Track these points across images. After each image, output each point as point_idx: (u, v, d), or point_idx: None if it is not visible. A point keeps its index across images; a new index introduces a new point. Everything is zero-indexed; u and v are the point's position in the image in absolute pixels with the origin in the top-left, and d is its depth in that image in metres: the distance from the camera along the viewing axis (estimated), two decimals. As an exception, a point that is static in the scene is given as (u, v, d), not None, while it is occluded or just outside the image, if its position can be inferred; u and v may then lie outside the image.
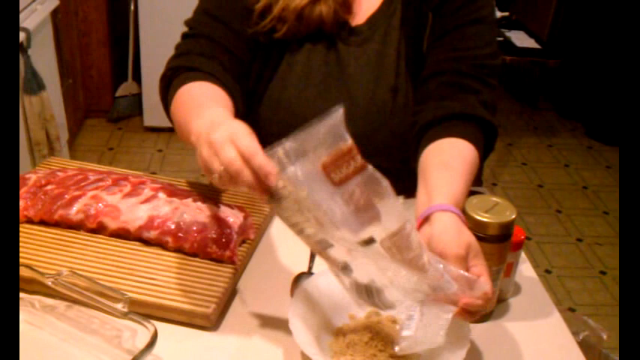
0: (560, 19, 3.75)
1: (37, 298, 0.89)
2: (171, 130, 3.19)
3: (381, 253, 0.74)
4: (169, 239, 0.98)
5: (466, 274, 0.77)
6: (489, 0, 1.15)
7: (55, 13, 2.55)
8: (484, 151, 1.08)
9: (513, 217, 0.90)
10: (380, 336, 0.85)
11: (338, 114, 0.71)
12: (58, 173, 1.09)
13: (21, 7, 2.19)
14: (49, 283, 0.87)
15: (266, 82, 1.17)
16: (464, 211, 0.90)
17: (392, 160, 1.13)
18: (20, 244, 0.98)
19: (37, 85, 2.19)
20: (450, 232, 0.81)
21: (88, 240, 1.00)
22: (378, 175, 0.73)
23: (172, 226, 0.99)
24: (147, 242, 1.00)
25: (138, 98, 3.38)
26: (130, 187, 1.06)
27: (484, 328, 0.95)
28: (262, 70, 1.17)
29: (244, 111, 1.13)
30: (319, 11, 1.12)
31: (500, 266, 0.93)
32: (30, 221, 1.03)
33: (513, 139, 3.64)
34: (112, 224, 1.00)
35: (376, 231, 0.73)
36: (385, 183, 0.73)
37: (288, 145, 0.72)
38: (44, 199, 1.03)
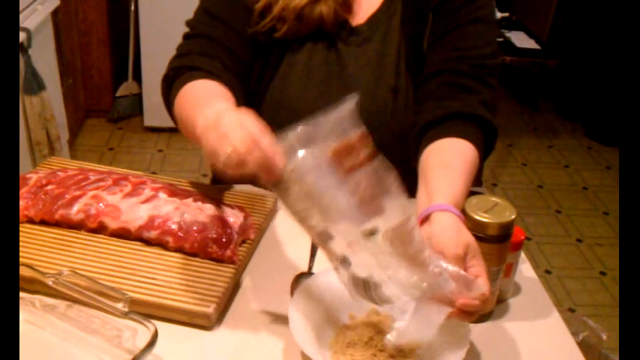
0: (560, 19, 3.75)
1: (37, 298, 0.89)
2: (171, 130, 3.23)
3: (382, 247, 0.75)
4: (170, 239, 0.98)
5: (465, 273, 0.78)
6: (489, 0, 1.15)
7: (55, 13, 2.55)
8: (484, 151, 1.08)
9: (513, 217, 0.90)
10: (380, 336, 0.85)
11: (350, 103, 0.72)
12: (59, 173, 1.10)
13: (21, 7, 2.19)
14: (50, 283, 0.87)
15: (267, 81, 1.18)
16: (464, 211, 0.90)
17: (392, 160, 1.13)
18: (21, 243, 0.98)
19: (37, 85, 2.19)
20: (449, 232, 0.81)
21: (88, 240, 1.00)
22: (386, 167, 0.73)
23: (173, 226, 0.99)
24: (147, 242, 1.00)
25: (138, 98, 3.38)
26: (131, 187, 1.06)
27: (484, 328, 0.95)
28: (263, 70, 1.17)
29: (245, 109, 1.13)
30: (319, 11, 1.12)
31: (500, 266, 0.93)
32: (31, 221, 1.03)
33: (513, 139, 3.64)
34: (113, 224, 1.00)
35: (379, 223, 0.73)
36: (391, 176, 0.73)
37: (299, 130, 0.73)
38: (45, 198, 1.03)
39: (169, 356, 0.85)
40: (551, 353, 0.93)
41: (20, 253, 0.96)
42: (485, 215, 0.90)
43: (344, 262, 0.79)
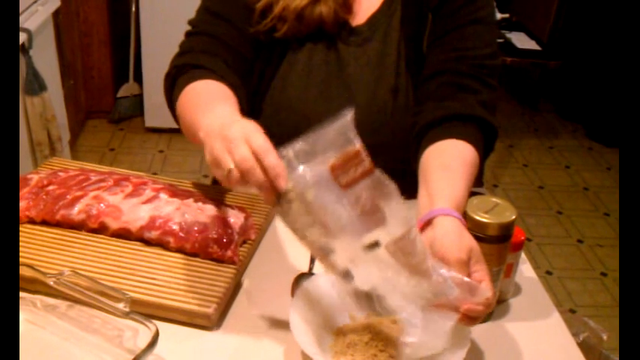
0: (561, 20, 3.75)
1: (38, 298, 0.89)
2: (172, 130, 3.23)
3: (384, 260, 0.75)
4: (171, 239, 0.98)
5: (468, 280, 0.78)
6: (489, 1, 1.15)
7: (56, 14, 2.55)
8: (484, 151, 1.08)
9: (513, 217, 0.90)
10: (380, 336, 0.86)
11: (347, 117, 0.72)
12: (60, 174, 1.10)
13: (22, 8, 2.20)
14: (51, 283, 0.87)
15: (267, 81, 1.18)
16: (464, 212, 0.90)
17: (392, 161, 1.13)
18: (22, 244, 0.98)
19: (38, 85, 2.19)
20: (452, 237, 0.81)
21: (89, 240, 1.01)
22: (385, 178, 0.73)
23: (174, 227, 0.99)
24: (148, 242, 1.00)
25: (139, 99, 3.38)
26: (132, 187, 1.06)
27: (484, 329, 0.95)
28: (264, 70, 1.18)
29: (248, 109, 1.13)
30: (319, 11, 1.12)
31: (501, 267, 0.93)
32: (32, 221, 1.03)
33: (514, 140, 3.64)
34: (114, 224, 1.01)
35: (381, 235, 0.74)
36: (392, 186, 0.73)
37: (297, 146, 0.73)
38: (46, 199, 1.04)
39: (170, 356, 0.85)
40: (552, 353, 0.93)
41: (21, 254, 0.96)
42: (486, 216, 0.90)
43: (346, 276, 0.79)
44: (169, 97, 1.12)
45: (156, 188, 1.06)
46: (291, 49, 1.17)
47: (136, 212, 1.01)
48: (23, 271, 0.89)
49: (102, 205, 1.02)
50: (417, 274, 0.75)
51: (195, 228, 0.99)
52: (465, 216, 0.90)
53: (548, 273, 2.64)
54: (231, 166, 0.76)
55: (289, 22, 1.13)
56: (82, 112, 3.29)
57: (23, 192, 1.05)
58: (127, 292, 0.85)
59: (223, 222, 1.01)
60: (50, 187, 1.06)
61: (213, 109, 0.91)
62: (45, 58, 2.39)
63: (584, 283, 2.61)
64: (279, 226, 1.13)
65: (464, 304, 0.77)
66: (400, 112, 1.16)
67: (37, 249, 0.98)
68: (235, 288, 0.98)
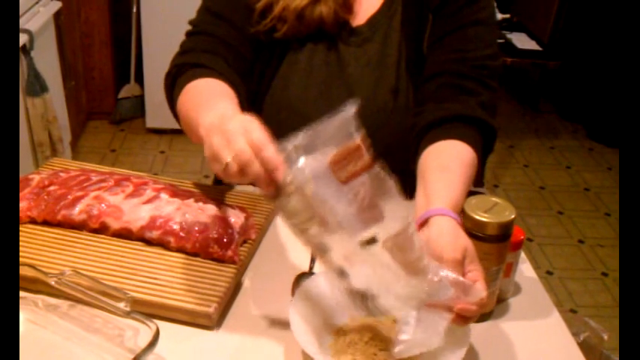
0: (562, 20, 3.75)
1: (40, 298, 0.89)
2: (173, 131, 3.24)
3: (381, 256, 0.75)
4: (171, 239, 0.99)
5: (463, 279, 0.78)
6: (489, 2, 1.15)
7: (57, 15, 2.56)
8: (483, 152, 1.08)
9: (512, 217, 0.91)
10: (380, 335, 0.86)
11: (349, 111, 0.72)
12: (61, 174, 1.10)
13: (23, 10, 2.20)
14: (53, 283, 0.88)
15: (268, 81, 1.18)
16: (463, 211, 0.91)
17: (392, 161, 1.14)
18: (24, 244, 0.99)
19: (39, 86, 2.20)
20: (447, 237, 0.81)
21: (90, 240, 1.01)
22: (385, 174, 0.73)
23: (174, 226, 0.99)
24: (149, 242, 1.00)
25: (140, 100, 3.39)
26: (133, 187, 1.06)
27: (484, 328, 0.95)
28: (264, 70, 1.18)
29: (248, 109, 1.13)
30: (319, 12, 1.12)
31: (500, 266, 0.93)
32: (33, 221, 1.03)
33: (515, 141, 3.64)
34: (115, 224, 1.01)
35: (378, 231, 0.74)
36: (390, 183, 0.73)
37: (298, 140, 0.73)
38: (47, 199, 1.04)
39: (171, 356, 0.85)
40: (551, 353, 0.94)
41: (23, 254, 0.96)
42: (485, 215, 0.90)
43: (341, 274, 0.79)
44: (170, 96, 1.13)
45: (156, 188, 1.06)
46: (292, 49, 1.17)
47: (136, 212, 1.01)
48: (25, 271, 0.90)
49: (103, 205, 1.02)
50: (414, 272, 0.75)
51: (196, 228, 0.99)
52: (464, 216, 0.90)
53: (549, 273, 2.64)
54: (229, 159, 0.76)
55: (289, 22, 1.13)
56: (83, 113, 3.29)
57: (24, 192, 1.05)
58: (127, 292, 0.85)
59: (224, 222, 1.01)
60: (51, 188, 1.06)
61: (213, 106, 0.91)
62: (46, 59, 2.39)
63: (585, 284, 2.61)
64: (279, 226, 1.13)
65: (458, 304, 0.77)
66: (400, 112, 1.17)
67: (39, 249, 0.98)
68: (236, 288, 0.98)
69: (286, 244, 1.09)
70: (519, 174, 3.36)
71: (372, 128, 1.16)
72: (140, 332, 0.83)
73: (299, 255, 1.04)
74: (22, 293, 0.90)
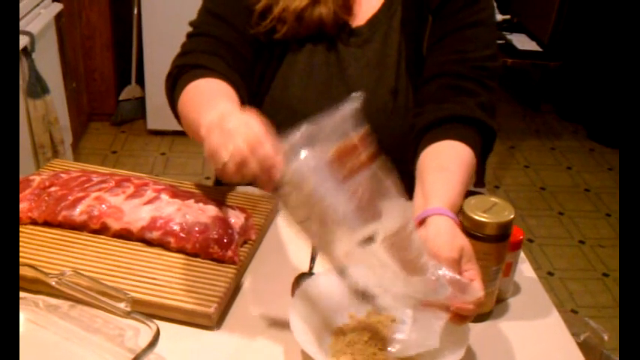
0: (562, 21, 3.76)
1: (40, 298, 0.90)
2: (174, 133, 3.24)
3: (379, 255, 0.75)
4: (171, 240, 0.99)
5: (460, 278, 0.78)
6: (489, 2, 1.16)
7: (58, 17, 2.56)
8: (483, 153, 1.09)
9: (511, 217, 0.91)
10: (379, 335, 0.86)
11: (354, 103, 0.72)
12: (62, 175, 1.11)
13: (25, 12, 2.21)
14: (53, 283, 0.88)
15: (267, 82, 1.19)
16: (462, 211, 0.91)
17: (391, 161, 1.14)
18: (24, 244, 0.99)
19: (41, 88, 2.20)
20: (444, 236, 0.81)
21: (91, 240, 1.01)
22: (384, 171, 0.73)
23: (175, 227, 1.00)
24: (149, 243, 1.01)
25: (141, 102, 3.39)
26: (133, 188, 1.07)
27: (483, 328, 0.95)
28: (264, 70, 1.18)
29: (248, 108, 1.14)
30: (319, 13, 1.13)
31: (499, 266, 0.93)
32: (34, 222, 1.04)
33: (515, 141, 3.65)
34: (115, 225, 1.01)
35: (377, 229, 0.74)
36: (389, 181, 0.73)
37: (301, 131, 0.73)
38: (48, 200, 1.04)
39: (171, 355, 0.86)
40: (551, 352, 0.94)
41: (23, 254, 0.97)
42: (484, 215, 0.90)
43: (342, 272, 0.79)
44: (171, 97, 1.13)
45: (157, 189, 1.06)
46: (291, 50, 1.17)
47: (137, 213, 1.02)
48: (25, 272, 0.90)
49: (103, 206, 1.03)
50: (412, 270, 0.75)
51: (196, 228, 0.99)
52: (463, 215, 0.91)
53: (550, 274, 2.64)
54: (226, 159, 0.76)
55: (289, 23, 1.13)
56: (84, 114, 3.30)
57: (25, 193, 1.06)
58: (128, 292, 0.86)
59: (224, 222, 1.01)
60: (52, 189, 1.07)
61: (214, 105, 0.91)
62: (47, 61, 2.40)
63: (585, 284, 2.61)
64: (279, 226, 1.13)
65: (455, 303, 0.77)
66: (400, 113, 1.17)
67: (39, 250, 0.98)
68: (236, 288, 0.98)
69: (286, 245, 1.09)
70: (520, 175, 3.36)
71: (372, 129, 1.17)
72: (140, 332, 0.83)
73: (299, 255, 1.04)
74: (22, 294, 0.90)
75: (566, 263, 2.72)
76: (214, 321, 0.91)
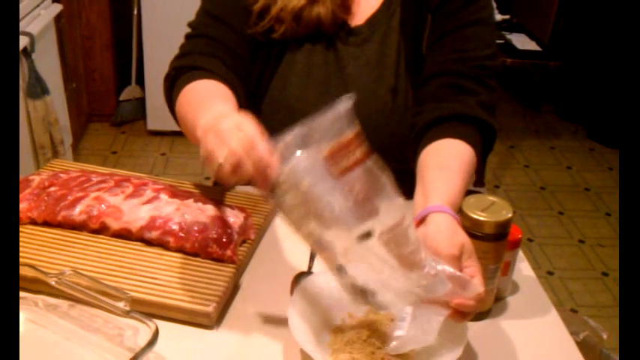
0: (562, 21, 3.76)
1: (40, 298, 0.90)
2: (174, 133, 3.25)
3: (377, 251, 0.75)
4: (171, 239, 0.99)
5: (460, 274, 0.78)
6: (488, 1, 1.16)
7: (58, 18, 2.57)
8: (483, 152, 1.09)
9: (510, 215, 0.91)
10: (378, 333, 0.86)
11: (347, 103, 0.72)
12: (61, 175, 1.11)
13: (24, 12, 2.21)
14: (53, 283, 0.88)
15: (266, 81, 1.19)
16: (461, 210, 0.91)
17: (391, 161, 1.14)
18: (24, 244, 0.99)
19: (40, 89, 2.20)
20: (444, 233, 0.81)
21: (90, 240, 1.01)
22: (378, 168, 0.74)
23: (174, 227, 1.00)
24: (148, 242, 1.01)
25: (141, 102, 3.40)
26: (133, 188, 1.07)
27: (481, 326, 0.96)
28: (262, 70, 1.18)
29: (247, 109, 1.14)
30: (317, 12, 1.13)
31: (497, 265, 0.94)
32: (33, 222, 1.04)
33: (515, 141, 3.65)
34: (115, 225, 1.01)
35: (374, 225, 0.74)
36: (385, 177, 0.74)
37: (293, 134, 0.73)
38: (47, 200, 1.05)
39: (170, 354, 0.86)
40: (549, 351, 0.94)
41: (23, 254, 0.97)
42: (482, 214, 0.90)
43: (340, 270, 0.79)
44: (169, 99, 1.13)
45: (156, 189, 1.07)
46: (290, 49, 1.18)
47: (136, 213, 1.02)
48: (25, 271, 0.90)
49: (103, 205, 1.03)
50: (410, 265, 0.76)
51: (195, 228, 1.00)
52: (461, 214, 0.91)
53: (550, 273, 2.64)
54: (222, 160, 0.76)
55: (287, 23, 1.13)
56: (84, 115, 3.30)
57: (25, 193, 1.06)
58: (127, 292, 0.86)
59: (223, 222, 1.01)
60: (51, 189, 1.07)
61: (211, 107, 0.91)
62: (47, 62, 2.40)
63: (585, 284, 2.61)
64: (278, 226, 1.13)
65: (455, 299, 0.77)
66: (399, 112, 1.17)
67: (39, 249, 0.99)
68: (235, 287, 0.99)
69: (285, 244, 1.09)
70: (520, 174, 3.36)
71: (371, 128, 1.17)
72: (140, 331, 0.83)
73: (298, 255, 1.04)
74: (22, 293, 0.90)
75: (566, 263, 2.73)
76: (213, 320, 0.91)
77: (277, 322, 0.93)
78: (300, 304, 0.88)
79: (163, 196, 1.05)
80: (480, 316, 0.97)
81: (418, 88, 1.15)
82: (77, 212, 1.03)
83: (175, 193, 1.06)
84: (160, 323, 0.83)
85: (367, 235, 0.74)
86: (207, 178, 3.01)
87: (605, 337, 1.47)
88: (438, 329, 0.78)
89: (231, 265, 0.98)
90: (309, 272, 0.96)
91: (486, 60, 1.12)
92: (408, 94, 1.17)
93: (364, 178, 0.73)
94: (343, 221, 0.73)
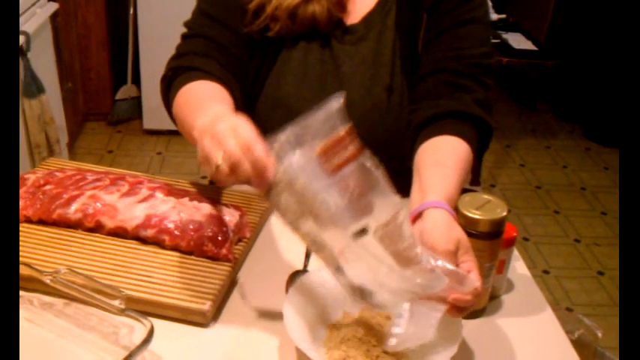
0: (558, 20, 3.77)
1: (35, 296, 0.90)
2: (170, 132, 3.25)
3: (373, 248, 0.75)
4: (166, 237, 0.99)
5: (457, 269, 0.78)
6: (483, 0, 1.16)
7: (54, 17, 2.56)
8: (479, 149, 1.09)
9: (504, 214, 0.91)
10: (373, 331, 0.86)
11: (337, 102, 0.73)
12: (57, 173, 1.11)
13: (20, 11, 2.21)
14: (48, 281, 0.88)
15: (262, 80, 1.19)
16: (456, 208, 0.91)
17: (388, 159, 1.14)
18: (19, 243, 0.99)
19: (36, 88, 2.20)
20: (440, 228, 0.82)
21: (85, 239, 1.01)
22: (372, 164, 0.74)
23: (169, 225, 1.00)
24: (144, 241, 1.01)
25: (137, 101, 3.39)
26: (128, 186, 1.07)
27: (476, 325, 0.96)
28: (258, 68, 1.19)
29: (243, 109, 1.14)
30: (312, 10, 1.13)
31: (492, 263, 0.94)
32: (29, 220, 1.04)
33: (511, 140, 3.65)
34: (110, 223, 1.01)
35: (369, 222, 0.74)
36: (378, 172, 0.74)
37: (286, 134, 0.74)
38: (43, 198, 1.05)
39: (166, 353, 0.86)
40: (544, 349, 0.94)
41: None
42: (477, 212, 0.91)
43: (338, 270, 0.80)
44: (166, 99, 1.14)
45: (152, 187, 1.07)
46: (286, 47, 1.18)
47: (131, 211, 1.02)
48: (20, 270, 0.90)
49: (98, 204, 1.03)
50: (406, 261, 0.76)
51: (191, 226, 1.00)
52: (457, 212, 0.91)
53: (546, 272, 2.65)
54: (219, 161, 0.77)
55: (282, 21, 1.13)
56: (80, 114, 3.30)
57: (20, 191, 1.06)
58: (122, 290, 0.86)
59: (218, 220, 1.01)
60: (47, 187, 1.07)
61: (207, 109, 0.92)
62: (43, 61, 2.40)
63: (581, 282, 2.61)
64: (274, 224, 1.14)
65: (452, 294, 0.78)
66: (395, 110, 1.17)
67: (34, 248, 0.98)
68: (230, 285, 0.99)
69: (281, 243, 1.09)
70: (516, 173, 3.36)
71: (367, 126, 1.17)
72: (135, 330, 0.83)
73: (293, 253, 1.05)
74: (17, 292, 0.90)
75: (562, 262, 2.73)
76: (209, 318, 0.91)
77: (273, 320, 0.93)
78: (296, 303, 0.88)
79: (159, 195, 1.05)
80: (475, 314, 0.97)
81: (414, 86, 1.16)
82: (72, 210, 1.03)
83: (171, 192, 1.06)
84: (156, 321, 0.84)
85: (362, 231, 0.74)
86: (204, 177, 3.00)
87: (600, 335, 1.47)
88: (436, 325, 0.78)
89: (226, 263, 0.98)
90: (304, 270, 0.97)
91: (482, 58, 1.13)
92: (404, 92, 1.17)
93: (358, 174, 0.73)
94: (339, 219, 0.73)
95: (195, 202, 1.04)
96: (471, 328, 0.93)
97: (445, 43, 1.13)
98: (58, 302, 0.89)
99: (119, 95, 3.41)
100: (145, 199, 1.04)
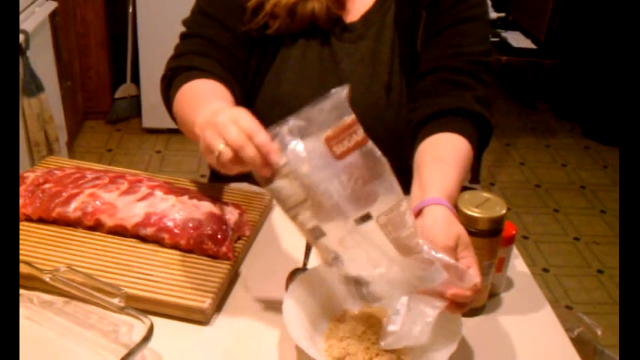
0: (557, 19, 3.76)
1: (35, 294, 0.90)
2: (170, 131, 3.25)
3: (374, 235, 0.75)
4: (166, 236, 0.99)
5: (456, 263, 0.78)
6: None
7: (53, 15, 2.56)
8: (479, 146, 1.09)
9: (504, 212, 0.91)
10: (373, 329, 0.86)
11: (342, 91, 0.73)
12: (56, 172, 1.11)
13: (20, 9, 2.20)
14: (47, 280, 0.88)
15: (261, 77, 1.19)
16: (455, 206, 0.91)
17: (386, 157, 1.15)
18: (19, 241, 0.99)
19: (35, 86, 2.20)
20: (440, 225, 0.82)
21: (85, 237, 1.01)
22: (377, 151, 0.74)
23: (169, 223, 1.00)
24: (143, 239, 1.01)
25: (137, 100, 3.39)
26: (127, 185, 1.07)
27: (476, 322, 0.96)
28: (257, 66, 1.19)
29: (243, 107, 1.14)
30: (311, 7, 1.13)
31: (492, 261, 0.94)
32: (28, 219, 1.04)
33: (511, 139, 3.65)
34: (109, 221, 1.01)
35: (372, 210, 0.74)
36: (383, 160, 0.74)
37: (291, 122, 0.74)
38: (42, 197, 1.05)
39: (165, 351, 0.86)
40: (544, 347, 0.94)
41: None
42: (476, 210, 0.91)
43: (336, 259, 0.80)
44: (166, 99, 1.14)
45: (151, 185, 1.07)
46: (285, 45, 1.18)
47: (131, 209, 1.02)
48: (20, 268, 0.90)
49: (97, 202, 1.03)
50: (406, 250, 0.76)
51: (190, 224, 1.00)
52: (456, 210, 0.91)
53: (545, 270, 2.65)
54: (221, 146, 0.77)
55: (281, 18, 1.13)
56: (79, 113, 3.30)
57: (20, 190, 1.06)
58: (122, 288, 0.86)
59: (218, 218, 1.01)
60: (46, 185, 1.07)
61: (208, 105, 0.92)
62: (42, 60, 2.40)
63: (580, 281, 2.62)
64: (274, 222, 1.14)
65: (451, 289, 0.78)
66: (393, 108, 1.17)
67: (34, 246, 0.98)
68: (230, 284, 0.99)
69: (280, 241, 1.09)
70: (515, 172, 3.36)
71: (366, 124, 1.16)
72: (134, 328, 0.83)
73: (293, 251, 1.05)
74: (17, 290, 0.90)
75: (561, 260, 2.73)
76: (208, 316, 0.91)
77: (272, 318, 0.93)
78: (295, 300, 0.88)
79: (158, 193, 1.05)
80: (474, 312, 0.97)
81: (414, 84, 1.16)
82: (72, 209, 1.03)
83: (170, 190, 1.06)
84: (155, 319, 0.84)
85: (366, 217, 0.74)
86: (203, 176, 3.00)
87: (599, 333, 1.47)
88: (431, 327, 0.78)
89: (226, 261, 0.98)
90: (304, 269, 0.97)
91: (481, 56, 1.13)
92: (402, 90, 1.17)
93: (363, 161, 0.74)
94: (342, 208, 0.74)
95: (194, 201, 1.04)
96: (470, 325, 0.93)
97: (444, 40, 1.13)
98: (58, 300, 0.89)
99: (118, 94, 3.41)
100: (144, 198, 1.04)
